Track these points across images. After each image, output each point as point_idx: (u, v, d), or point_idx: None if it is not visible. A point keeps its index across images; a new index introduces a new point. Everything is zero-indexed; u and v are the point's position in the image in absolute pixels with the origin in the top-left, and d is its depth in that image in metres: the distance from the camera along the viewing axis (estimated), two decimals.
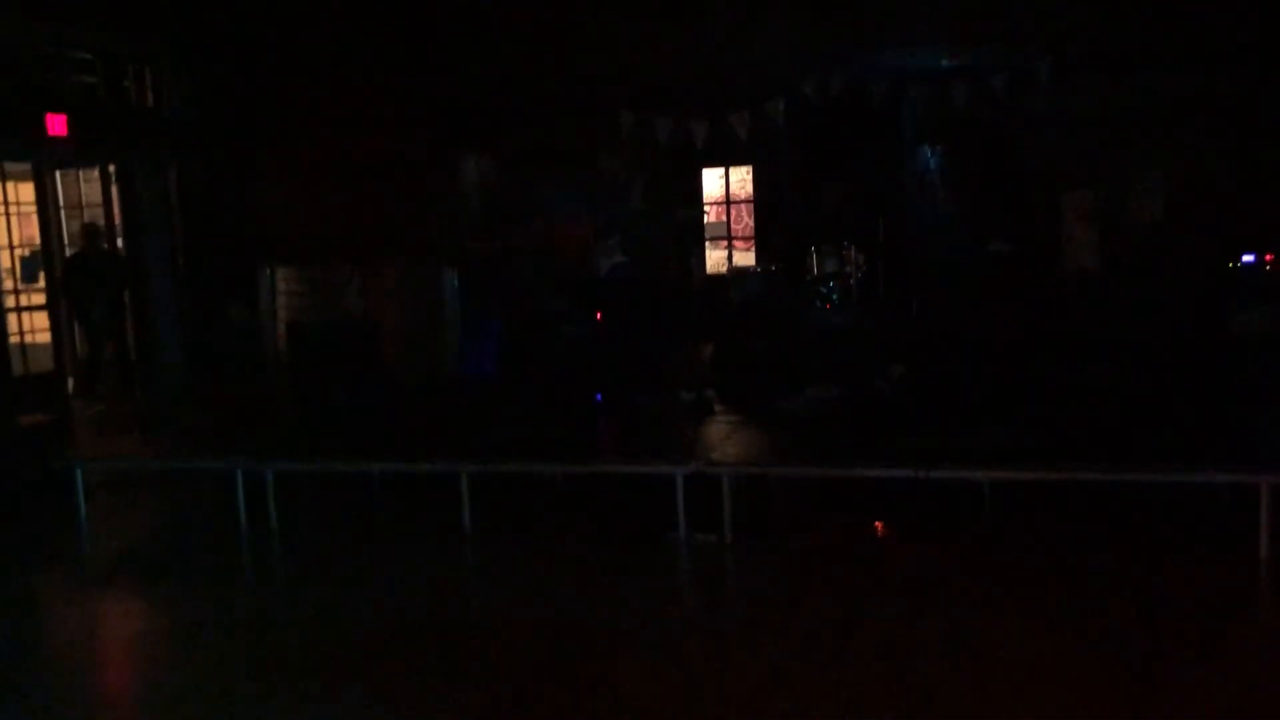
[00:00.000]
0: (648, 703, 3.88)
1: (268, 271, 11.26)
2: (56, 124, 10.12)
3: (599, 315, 8.26)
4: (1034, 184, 10.15)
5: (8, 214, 11.04)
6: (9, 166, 10.83)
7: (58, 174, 11.27)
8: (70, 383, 10.86)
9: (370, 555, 5.92)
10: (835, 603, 4.80)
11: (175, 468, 7.38)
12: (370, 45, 11.74)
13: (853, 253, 8.54)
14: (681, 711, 3.79)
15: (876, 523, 5.98)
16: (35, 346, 10.40)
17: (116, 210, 11.15)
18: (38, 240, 11.11)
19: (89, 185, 11.29)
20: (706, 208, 12.25)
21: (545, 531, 6.14)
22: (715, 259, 12.35)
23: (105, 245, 10.87)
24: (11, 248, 11.17)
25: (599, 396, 7.75)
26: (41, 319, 10.66)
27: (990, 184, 7.62)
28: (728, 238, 12.43)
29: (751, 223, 12.27)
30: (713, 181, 12.49)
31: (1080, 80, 9.94)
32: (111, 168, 11.02)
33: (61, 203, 11.46)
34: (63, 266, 10.69)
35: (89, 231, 10.68)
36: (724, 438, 6.51)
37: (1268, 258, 9.61)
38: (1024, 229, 9.81)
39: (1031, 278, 9.76)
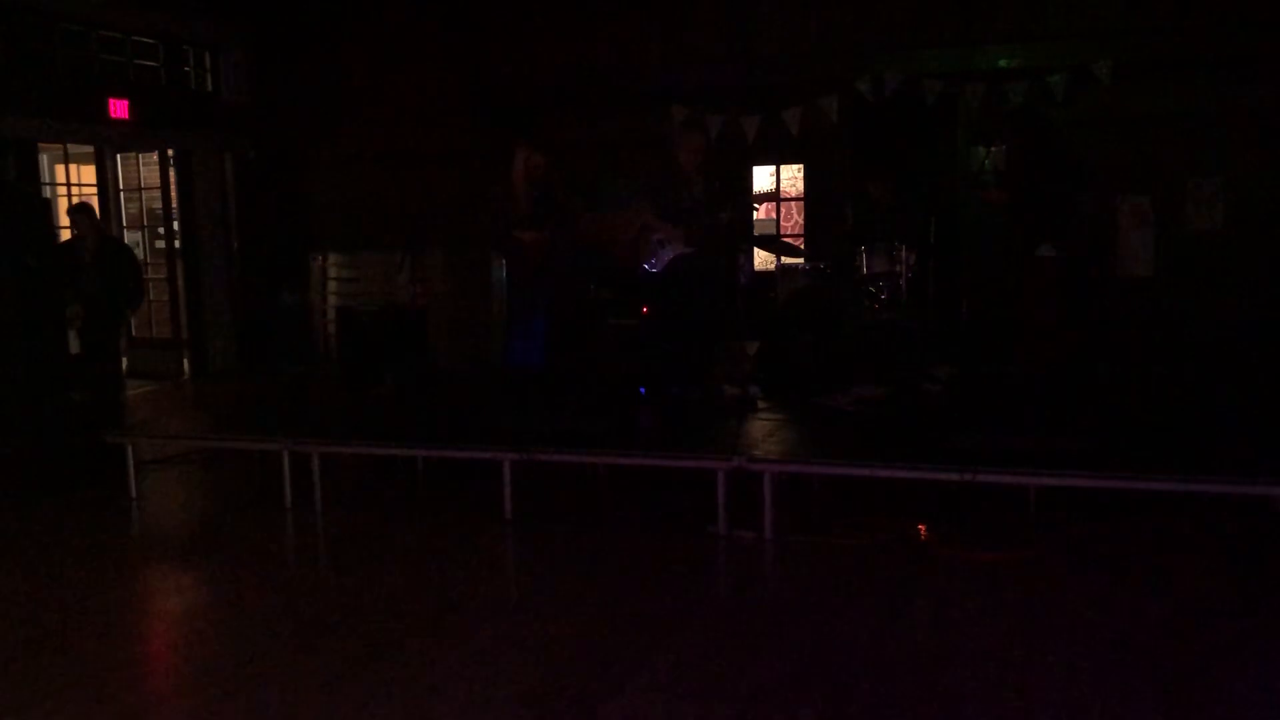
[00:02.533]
0: (678, 699, 3.87)
1: (319, 257, 11.40)
2: (119, 107, 10.32)
3: (645, 309, 8.23)
4: (1090, 187, 9.97)
5: (69, 195, 11.28)
6: (71, 149, 11.06)
7: (118, 157, 11.49)
8: (124, 362, 11.06)
9: (411, 538, 5.97)
10: (870, 607, 4.76)
11: (223, 447, 7.49)
12: (425, 35, 11.83)
13: (903, 252, 8.44)
14: (709, 708, 3.78)
15: (919, 525, 5.91)
16: None
17: (174, 193, 11.34)
18: None
19: (148, 169, 11.50)
20: (756, 205, 12.19)
21: (585, 521, 6.15)
22: (764, 256, 12.29)
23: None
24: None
25: (643, 390, 7.75)
26: None
27: (1045, 186, 7.52)
28: (777, 235, 12.35)
29: (801, 220, 12.19)
30: (764, 178, 12.43)
31: (1141, 81, 9.76)
32: (170, 152, 11.21)
33: (121, 185, 11.69)
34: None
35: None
36: (767, 434, 6.48)
37: None
38: (1078, 232, 9.65)
39: (1086, 281, 9.61)
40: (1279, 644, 4.24)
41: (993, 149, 9.17)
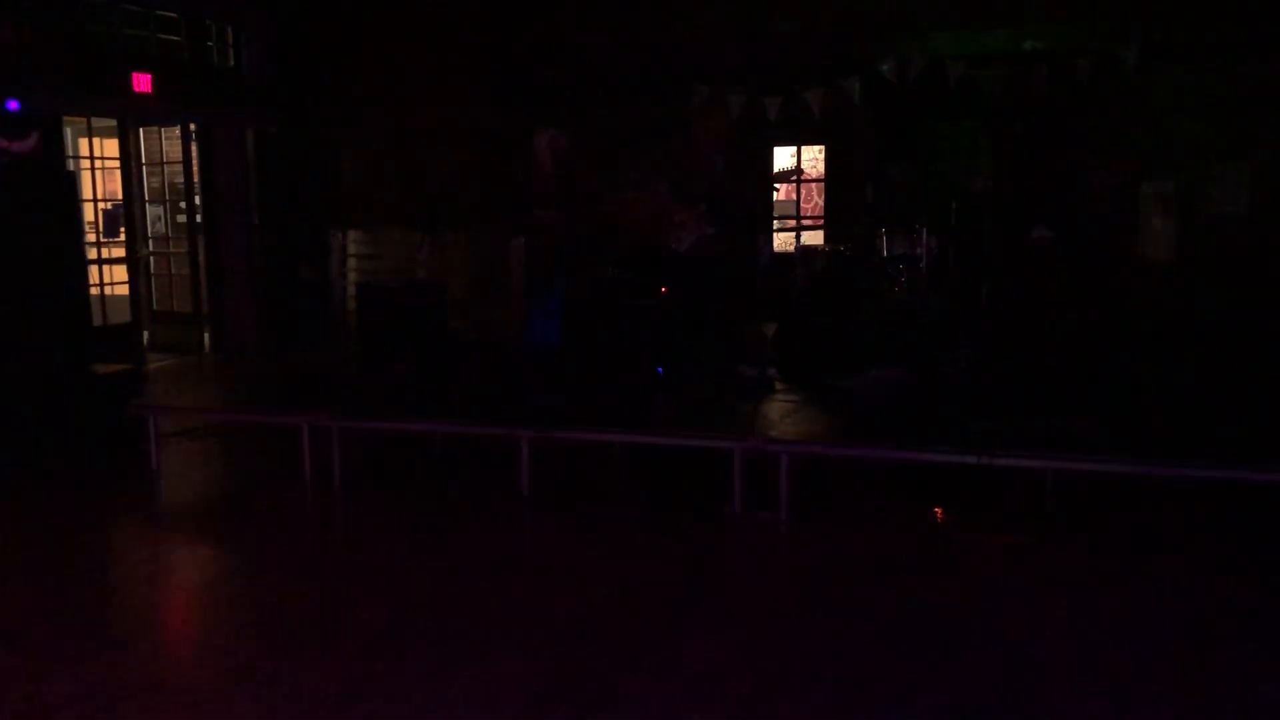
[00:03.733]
0: (694, 677, 3.90)
1: (339, 234, 11.43)
2: (142, 81, 10.34)
3: (663, 289, 8.25)
4: (1114, 171, 9.89)
5: (93, 168, 11.33)
6: (95, 122, 11.10)
7: (141, 131, 11.53)
8: (145, 334, 11.15)
9: (428, 512, 6.01)
10: (885, 588, 4.77)
11: (244, 420, 7.55)
12: (449, 13, 11.80)
13: (924, 234, 8.41)
14: (725, 686, 3.80)
15: (936, 509, 5.92)
16: (114, 298, 10.67)
17: (195, 168, 11.38)
18: (119, 195, 11.38)
19: (170, 143, 11.54)
20: (777, 186, 12.15)
21: (602, 500, 6.18)
22: (783, 238, 12.26)
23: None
24: (95, 201, 11.46)
25: (660, 370, 7.76)
26: (121, 271, 10.93)
27: (1068, 170, 7.48)
28: (797, 216, 12.31)
29: (821, 202, 12.14)
30: (784, 160, 12.38)
31: (1167, 65, 9.66)
32: (192, 126, 11.24)
33: (144, 159, 11.74)
34: None
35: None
36: (784, 415, 6.50)
37: None
38: (1102, 216, 9.59)
39: (1105, 267, 9.56)
40: None
41: (1016, 132, 9.10)
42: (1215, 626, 4.27)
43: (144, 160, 11.72)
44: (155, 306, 11.83)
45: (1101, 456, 5.45)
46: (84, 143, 11.38)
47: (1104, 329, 8.28)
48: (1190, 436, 5.83)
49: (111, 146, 11.45)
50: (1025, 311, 8.10)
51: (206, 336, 11.56)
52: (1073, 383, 7.13)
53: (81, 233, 9.23)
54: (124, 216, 11.31)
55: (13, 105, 8.26)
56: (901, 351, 7.79)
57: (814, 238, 12.07)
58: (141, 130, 11.52)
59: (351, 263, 11.36)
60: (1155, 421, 6.23)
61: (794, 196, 12.45)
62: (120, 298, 10.78)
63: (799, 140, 11.80)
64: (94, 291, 9.86)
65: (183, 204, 11.51)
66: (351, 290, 10.86)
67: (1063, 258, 7.51)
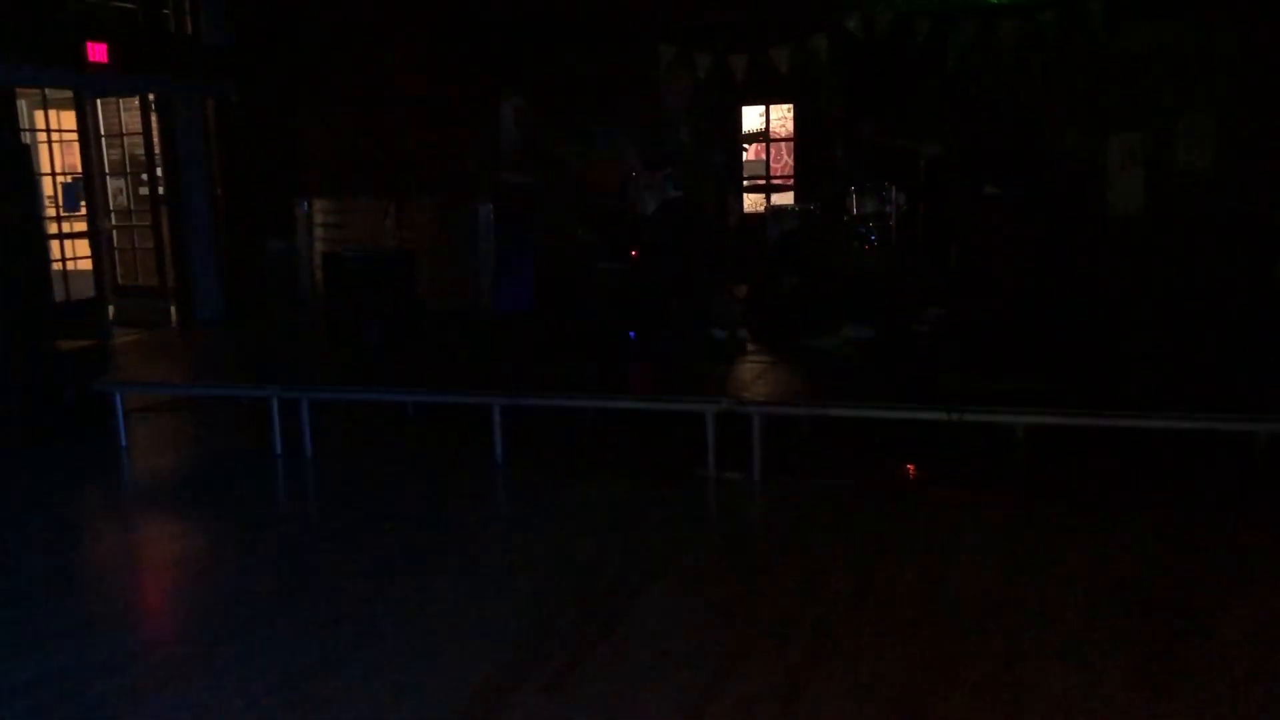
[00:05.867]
0: (667, 640, 3.91)
1: (305, 203, 11.29)
2: (97, 51, 10.13)
3: (633, 252, 8.21)
4: (1080, 126, 9.91)
5: (50, 142, 11.12)
6: (50, 94, 10.88)
7: (98, 102, 11.32)
8: (110, 309, 11.01)
9: (402, 483, 5.99)
10: (857, 546, 4.80)
11: (212, 394, 7.48)
12: None
13: (893, 193, 8.40)
14: (700, 648, 3.82)
15: (908, 465, 5.96)
16: (76, 274, 10.52)
17: (156, 139, 11.19)
18: (79, 168, 11.19)
19: (129, 114, 11.33)
20: (745, 146, 12.10)
21: (576, 465, 6.17)
22: (753, 198, 12.23)
23: None
24: (54, 175, 11.27)
25: (632, 334, 7.75)
26: (83, 246, 10.77)
27: (1036, 126, 7.48)
28: (766, 177, 12.28)
29: (791, 162, 12.11)
30: (753, 119, 12.32)
31: (1133, 19, 9.65)
32: (151, 96, 11.04)
33: (103, 131, 11.53)
34: None
35: None
36: (756, 376, 6.50)
37: None
38: (1069, 170, 9.61)
39: (1072, 221, 9.59)
40: (1235, 583, 4.30)
41: (983, 88, 9.09)
42: (1180, 573, 4.33)
43: (103, 132, 11.51)
44: (120, 281, 11.68)
45: (1070, 410, 5.49)
46: (39, 115, 11.16)
47: (1072, 284, 8.31)
48: (1158, 389, 5.88)
49: (69, 119, 11.24)
50: (990, 268, 8.13)
51: (173, 310, 11.43)
52: (1041, 339, 7.16)
53: (40, 207, 9.08)
54: (84, 190, 11.12)
55: None
56: (872, 311, 7.80)
57: (784, 198, 12.05)
58: (99, 102, 11.31)
59: (318, 232, 11.24)
60: (1123, 375, 6.28)
61: (763, 156, 12.41)
62: (83, 273, 10.63)
63: (768, 99, 11.75)
64: (56, 267, 9.70)
65: (144, 176, 11.33)
66: (318, 260, 10.74)
67: (1015, 214, 7.54)
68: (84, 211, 11.10)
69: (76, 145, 11.12)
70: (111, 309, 11.12)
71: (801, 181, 11.40)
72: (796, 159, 11.79)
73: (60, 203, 11.46)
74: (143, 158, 11.28)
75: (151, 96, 11.03)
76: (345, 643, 3.90)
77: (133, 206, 11.55)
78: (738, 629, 3.94)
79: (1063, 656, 3.63)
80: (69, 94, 10.79)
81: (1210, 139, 9.89)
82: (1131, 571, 4.37)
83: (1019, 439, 5.90)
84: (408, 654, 3.80)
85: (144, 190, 11.43)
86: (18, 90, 9.98)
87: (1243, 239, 9.50)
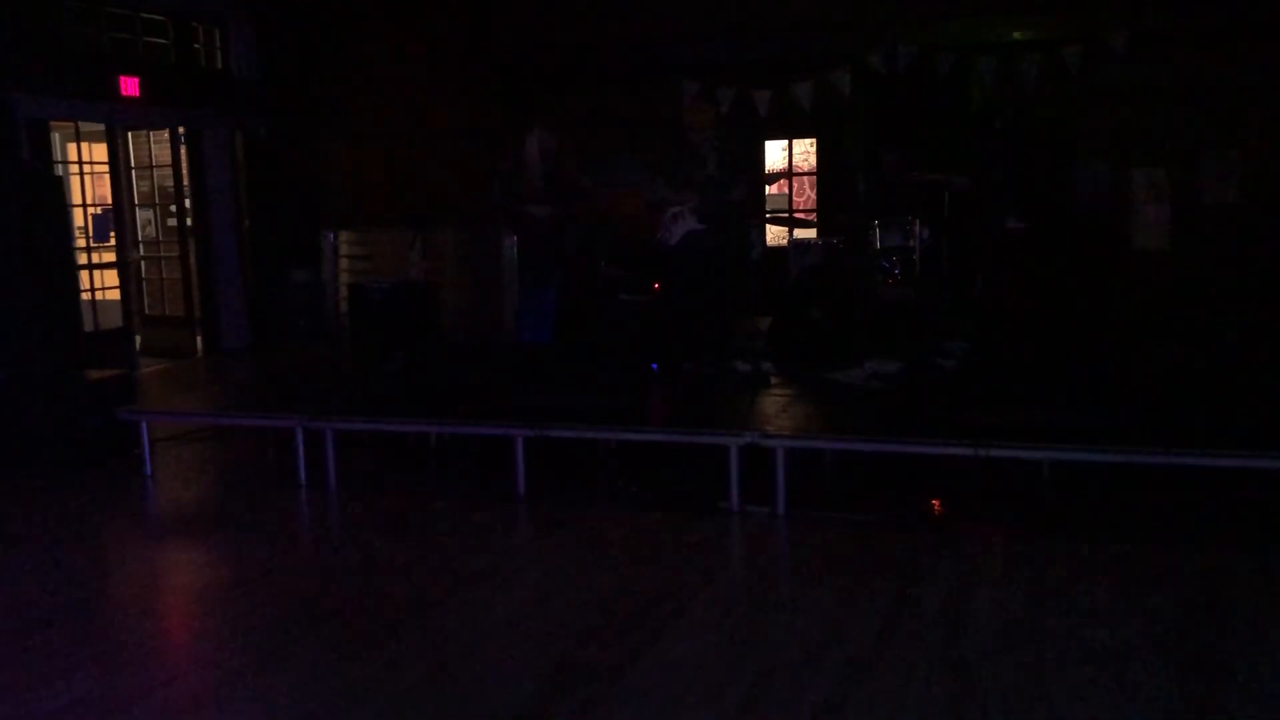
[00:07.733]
0: (691, 674, 3.88)
1: (330, 234, 11.39)
2: (129, 85, 10.30)
3: (656, 284, 8.22)
4: (1105, 160, 9.90)
5: (81, 173, 11.29)
6: (83, 126, 11.05)
7: (129, 134, 11.49)
8: (137, 339, 11.11)
9: (425, 514, 5.98)
10: (882, 582, 4.76)
11: (237, 424, 7.52)
12: (436, 9, 11.78)
13: (917, 226, 8.39)
14: (723, 680, 3.79)
15: (933, 500, 5.91)
16: (105, 303, 10.63)
17: (185, 171, 11.34)
18: (109, 199, 11.34)
19: (159, 146, 11.50)
20: (769, 181, 12.13)
21: (599, 497, 6.16)
22: (776, 231, 12.25)
23: None
24: (85, 206, 11.42)
25: (655, 365, 7.74)
26: (111, 276, 10.90)
27: (1059, 160, 7.48)
28: (789, 210, 12.30)
29: (814, 195, 12.14)
30: (775, 153, 12.36)
31: (1157, 53, 9.66)
32: (181, 129, 11.20)
33: (133, 163, 11.69)
34: None
35: None
36: (780, 410, 6.47)
37: None
38: (1093, 205, 9.60)
39: (1097, 255, 9.56)
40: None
41: (1007, 123, 9.10)
42: (1212, 612, 4.26)
43: (133, 164, 11.68)
44: (147, 311, 11.80)
45: (1097, 446, 5.44)
46: (71, 147, 11.33)
47: (1098, 319, 8.27)
48: (1186, 425, 5.81)
49: (100, 151, 11.41)
50: (1015, 302, 8.09)
51: (199, 340, 11.53)
52: (1067, 373, 7.11)
53: (71, 238, 9.19)
54: (114, 221, 11.27)
55: None
56: (897, 344, 7.77)
57: (807, 231, 12.07)
58: (130, 134, 11.48)
59: (343, 263, 11.33)
60: (1150, 411, 6.22)
61: (786, 190, 12.44)
62: (111, 303, 10.75)
63: (790, 134, 11.80)
64: (85, 297, 9.82)
65: (173, 207, 11.47)
66: (343, 291, 10.82)
67: (1039, 248, 7.52)
68: (113, 242, 11.24)
69: (107, 177, 11.28)
70: (138, 338, 11.23)
71: (824, 215, 11.41)
72: (819, 193, 11.81)
73: (90, 233, 11.62)
74: (171, 189, 11.43)
75: (181, 129, 11.19)
76: (368, 675, 3.89)
77: (161, 237, 11.70)
78: (763, 663, 3.91)
79: (1093, 693, 3.57)
80: (101, 127, 10.95)
81: (1236, 173, 9.85)
82: (1163, 607, 4.31)
83: (1044, 473, 5.85)
84: (430, 687, 3.79)
85: (172, 221, 11.58)
86: (52, 123, 10.15)
87: (1269, 274, 9.45)
